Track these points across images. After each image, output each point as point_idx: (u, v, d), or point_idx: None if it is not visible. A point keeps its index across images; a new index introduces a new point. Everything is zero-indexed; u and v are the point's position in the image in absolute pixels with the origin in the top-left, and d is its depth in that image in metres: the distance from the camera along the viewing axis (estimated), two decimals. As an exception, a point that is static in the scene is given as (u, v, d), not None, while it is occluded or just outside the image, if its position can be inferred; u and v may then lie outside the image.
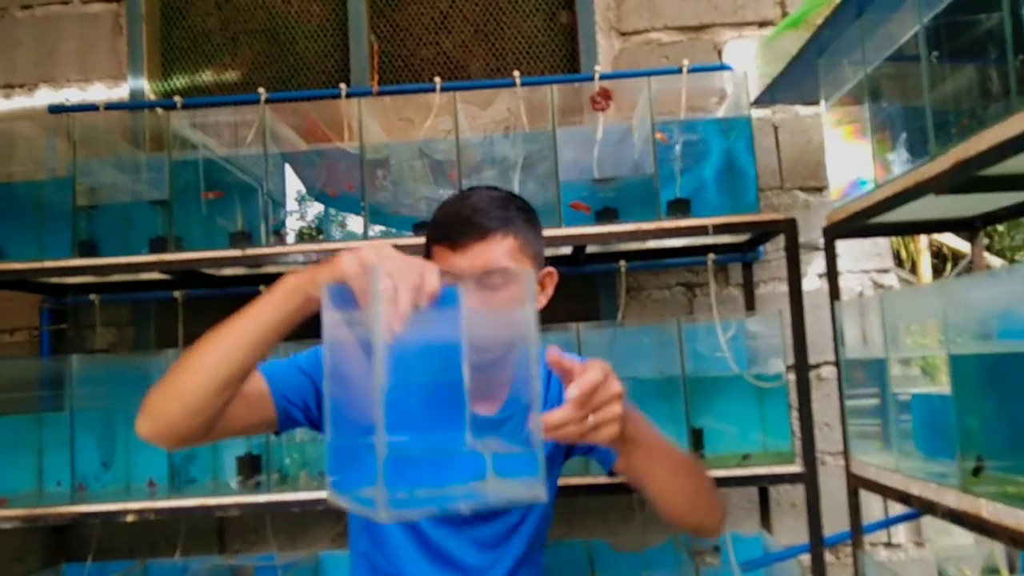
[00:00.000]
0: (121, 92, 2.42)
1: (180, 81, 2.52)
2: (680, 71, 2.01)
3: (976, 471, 1.14)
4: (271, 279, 2.10)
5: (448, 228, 1.16)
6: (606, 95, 2.00)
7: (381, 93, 2.23)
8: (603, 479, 1.76)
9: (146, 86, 2.45)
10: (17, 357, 2.30)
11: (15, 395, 1.93)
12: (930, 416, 1.35)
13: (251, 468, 1.89)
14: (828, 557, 2.12)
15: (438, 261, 1.16)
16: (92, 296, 2.12)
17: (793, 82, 1.82)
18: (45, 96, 2.42)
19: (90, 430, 1.92)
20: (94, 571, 2.04)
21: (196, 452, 1.93)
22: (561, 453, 1.34)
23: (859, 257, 2.27)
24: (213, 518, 2.24)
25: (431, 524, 1.22)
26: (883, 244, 2.29)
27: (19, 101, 2.42)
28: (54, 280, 2.10)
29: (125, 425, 1.97)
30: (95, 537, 2.14)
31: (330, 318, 0.85)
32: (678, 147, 1.93)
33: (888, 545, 2.19)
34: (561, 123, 1.92)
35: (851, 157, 1.59)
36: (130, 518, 1.78)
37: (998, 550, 1.70)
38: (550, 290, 1.25)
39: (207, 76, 2.53)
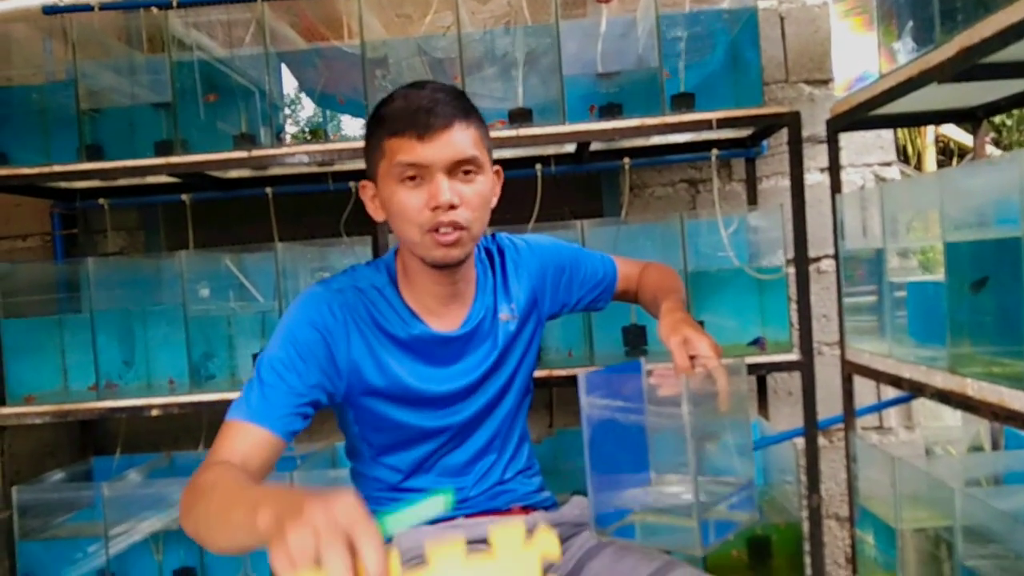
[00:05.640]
0: (113, -10, 2.36)
1: (172, -22, 2.45)
2: (685, -41, 1.96)
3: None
4: (276, 181, 2.14)
5: (410, 119, 1.13)
6: (610, -14, 1.95)
7: (379, -12, 2.18)
8: (607, 370, 1.82)
9: (138, -16, 2.38)
10: (32, 261, 2.35)
11: (35, 298, 1.98)
12: (923, 303, 1.40)
13: (267, 365, 1.95)
14: (822, 441, 2.22)
15: (398, 154, 1.14)
16: (101, 200, 2.14)
17: (801, -31, 1.78)
18: (36, -4, 2.36)
19: (109, 331, 1.98)
20: (123, 463, 2.15)
21: (214, 351, 1.99)
22: (542, 318, 1.39)
23: (861, 151, 2.27)
24: (232, 413, 2.33)
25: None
26: (887, 137, 2.28)
27: (10, 2, 2.37)
28: (63, 185, 2.11)
29: (142, 325, 2.03)
30: (122, 432, 2.24)
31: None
32: (682, 40, 1.90)
33: (879, 429, 2.29)
34: (564, 16, 1.88)
35: (858, 50, 1.57)
36: (155, 412, 1.86)
37: (983, 430, 1.77)
38: (498, 188, 1.27)
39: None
